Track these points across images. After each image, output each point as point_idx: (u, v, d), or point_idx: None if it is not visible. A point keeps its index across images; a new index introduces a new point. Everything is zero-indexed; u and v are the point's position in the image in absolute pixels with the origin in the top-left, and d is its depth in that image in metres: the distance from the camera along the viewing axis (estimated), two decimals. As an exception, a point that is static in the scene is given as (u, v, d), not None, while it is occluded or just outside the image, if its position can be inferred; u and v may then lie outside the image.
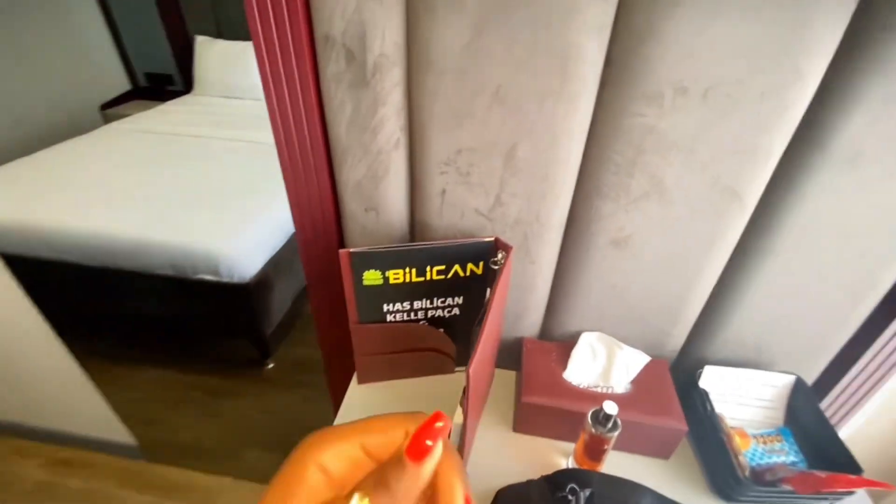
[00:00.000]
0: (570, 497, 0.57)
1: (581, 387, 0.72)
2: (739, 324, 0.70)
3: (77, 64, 2.65)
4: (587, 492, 0.58)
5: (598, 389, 0.72)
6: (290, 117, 0.62)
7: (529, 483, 0.63)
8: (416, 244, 0.65)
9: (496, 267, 0.67)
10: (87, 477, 1.40)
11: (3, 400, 1.39)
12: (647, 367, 0.73)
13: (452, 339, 0.77)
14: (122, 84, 2.97)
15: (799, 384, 0.72)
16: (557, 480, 0.63)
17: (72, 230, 1.49)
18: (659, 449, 0.70)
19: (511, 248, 0.62)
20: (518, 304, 0.76)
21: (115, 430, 1.38)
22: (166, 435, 1.52)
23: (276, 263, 1.61)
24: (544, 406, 0.69)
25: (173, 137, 2.16)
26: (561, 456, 0.71)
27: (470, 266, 0.69)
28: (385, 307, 0.70)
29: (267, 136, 2.17)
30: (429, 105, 0.58)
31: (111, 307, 1.67)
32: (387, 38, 0.54)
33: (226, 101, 2.61)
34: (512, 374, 0.83)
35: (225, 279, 1.46)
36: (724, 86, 0.51)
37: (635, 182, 0.59)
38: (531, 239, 0.67)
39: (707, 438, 0.68)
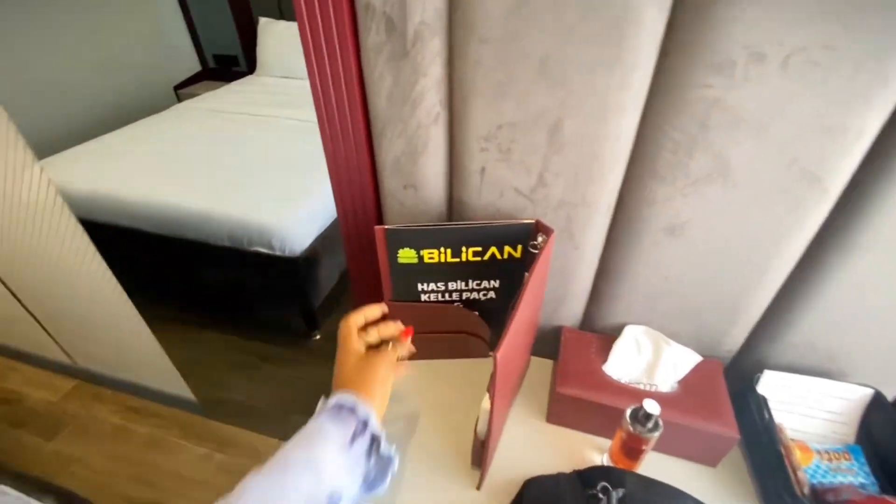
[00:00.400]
0: (600, 496, 0.54)
1: (622, 382, 0.68)
2: (811, 326, 0.62)
3: (154, 47, 2.83)
4: (620, 492, 0.54)
5: (641, 386, 0.67)
6: (332, 92, 0.61)
7: (559, 476, 0.60)
8: (451, 223, 0.63)
9: (535, 251, 0.63)
10: (155, 425, 1.53)
11: (86, 351, 1.56)
12: (697, 368, 0.68)
13: (488, 323, 0.74)
14: (193, 65, 3.14)
15: (878, 399, 0.63)
16: (589, 477, 0.60)
17: (144, 200, 1.61)
18: (705, 455, 0.64)
19: (552, 231, 0.59)
20: (558, 290, 0.72)
21: (178, 385, 1.49)
22: (222, 394, 1.63)
23: (325, 239, 1.65)
24: (580, 398, 0.65)
25: (237, 116, 2.26)
26: (595, 452, 0.67)
27: (508, 249, 0.66)
28: (419, 286, 0.69)
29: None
30: (470, 76, 0.55)
31: (177, 274, 1.80)
32: (427, 5, 0.52)
33: (286, 81, 2.69)
34: (549, 363, 0.80)
35: (277, 252, 1.52)
36: (809, 52, 0.44)
37: (696, 163, 0.53)
38: (575, 222, 0.63)
39: (762, 449, 0.62)
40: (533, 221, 0.62)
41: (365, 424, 0.42)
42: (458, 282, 0.70)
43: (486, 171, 0.62)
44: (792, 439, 0.63)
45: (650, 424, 0.56)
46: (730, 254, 0.60)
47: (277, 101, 2.41)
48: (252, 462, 1.48)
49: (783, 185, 0.52)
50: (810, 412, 0.66)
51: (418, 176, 0.65)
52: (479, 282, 0.70)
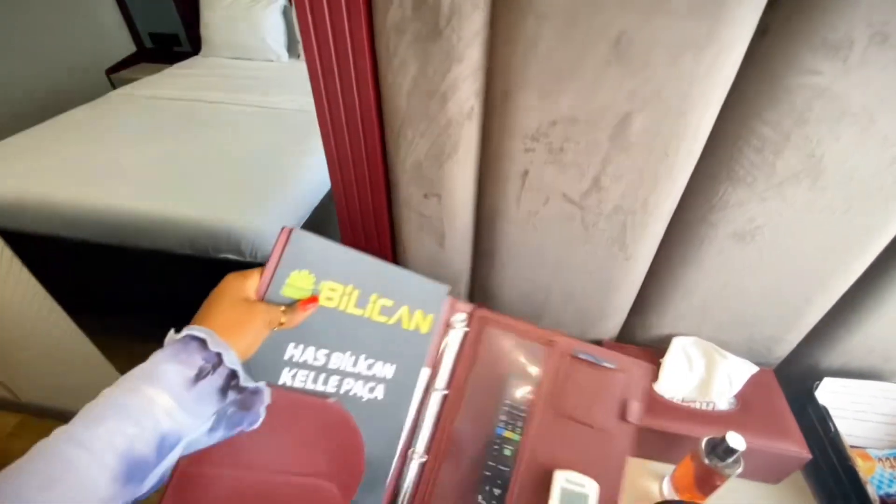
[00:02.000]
0: (686, 546, 0.47)
1: (675, 401, 0.61)
2: (872, 329, 0.58)
3: (78, 25, 2.45)
4: (703, 537, 0.48)
5: (696, 405, 0.61)
6: (337, 82, 0.48)
7: None
8: (374, 257, 0.47)
9: (456, 331, 0.52)
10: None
11: (28, 382, 1.34)
12: (751, 379, 0.62)
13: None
14: (126, 46, 2.77)
15: (936, 399, 0.60)
16: (660, 517, 0.53)
17: (83, 205, 1.38)
18: (768, 474, 0.59)
19: (477, 313, 0.49)
20: (599, 304, 0.63)
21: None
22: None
23: (300, 240, 1.49)
24: (636, 426, 0.58)
25: (184, 103, 2.00)
26: (651, 479, 0.60)
27: (418, 315, 0.49)
28: (288, 351, 0.43)
29: (284, 101, 2.01)
30: (521, 62, 0.43)
31: (135, 288, 1.58)
32: (472, -32, 0.39)
33: (236, 62, 2.41)
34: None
35: (248, 259, 1.35)
36: (948, 30, 0.36)
37: (783, 162, 0.45)
38: (630, 231, 0.54)
39: (827, 463, 0.57)
40: (448, 289, 0.51)
41: (218, 361, 0.34)
42: (347, 354, 0.46)
43: (530, 174, 0.51)
44: (851, 446, 0.59)
45: (730, 460, 0.49)
46: (800, 260, 0.53)
47: (231, 86, 2.15)
48: None
49: (879, 186, 0.45)
50: (863, 416, 0.62)
51: (444, 183, 0.54)
52: (372, 362, 0.48)
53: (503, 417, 0.53)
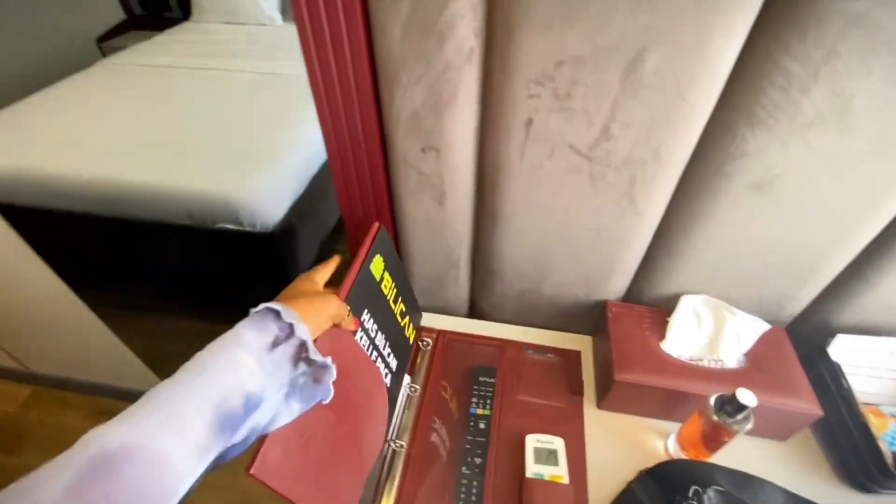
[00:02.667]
0: (693, 502, 0.46)
1: (682, 359, 0.59)
2: (891, 285, 0.55)
3: (63, -10, 2.35)
4: (711, 493, 0.47)
5: (704, 363, 0.59)
6: (325, 27, 0.44)
7: (631, 490, 0.52)
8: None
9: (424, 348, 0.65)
10: (132, 426, 1.37)
11: (36, 353, 1.35)
12: (761, 337, 0.60)
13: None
14: (116, 14, 2.66)
15: (953, 354, 0.58)
16: (666, 477, 0.52)
17: (77, 177, 1.35)
18: (776, 431, 0.58)
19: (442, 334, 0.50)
20: (607, 263, 0.61)
21: (150, 381, 1.33)
22: (205, 385, 1.48)
23: (300, 209, 1.46)
24: (642, 385, 0.57)
25: (177, 71, 1.93)
26: (656, 437, 0.60)
27: (409, 325, 0.62)
28: (365, 314, 0.51)
29: (279, 67, 1.93)
30: (524, -7, 0.39)
31: (133, 259, 1.57)
32: None
33: (230, 27, 2.32)
34: (586, 339, 0.71)
35: (247, 228, 1.33)
36: None
37: (810, 101, 0.41)
38: (640, 184, 0.51)
39: (839, 420, 0.56)
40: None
41: (290, 332, 0.38)
42: (383, 337, 0.54)
43: (535, 123, 0.48)
44: (864, 403, 0.58)
45: (740, 416, 0.48)
46: (821, 211, 0.50)
47: (224, 51, 2.08)
48: (249, 456, 1.34)
49: (912, 126, 0.41)
50: (877, 373, 0.60)
51: (443, 134, 0.50)
52: (390, 351, 0.56)
53: (474, 400, 0.62)
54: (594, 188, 0.51)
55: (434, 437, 0.58)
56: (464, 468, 0.55)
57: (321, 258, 1.82)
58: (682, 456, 0.56)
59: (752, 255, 0.56)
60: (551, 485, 0.51)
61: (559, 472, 0.53)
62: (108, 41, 2.56)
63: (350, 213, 0.62)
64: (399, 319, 0.59)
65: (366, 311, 0.50)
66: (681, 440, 0.56)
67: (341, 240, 1.95)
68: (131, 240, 1.46)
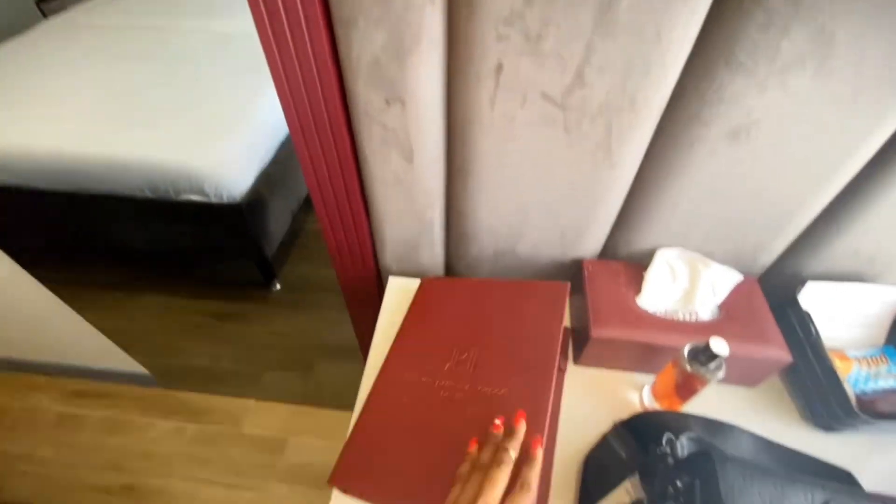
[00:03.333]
0: (667, 449, 0.46)
1: (658, 314, 0.59)
2: (860, 232, 0.55)
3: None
4: (684, 440, 0.47)
5: (679, 316, 0.59)
6: (266, -46, 0.39)
7: (607, 440, 0.53)
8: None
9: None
10: (107, 406, 1.35)
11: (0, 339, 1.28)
12: (734, 288, 0.60)
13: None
14: (53, -31, 2.42)
15: (914, 298, 0.59)
16: (640, 427, 0.53)
17: (25, 151, 1.25)
18: (746, 378, 0.59)
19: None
20: (582, 219, 0.59)
21: (120, 359, 1.29)
22: (179, 361, 1.45)
23: (269, 178, 1.40)
24: (618, 340, 0.56)
25: (126, 32, 1.78)
26: (631, 389, 0.60)
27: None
28: None
29: (235, 25, 1.81)
30: (488, -84, 0.35)
31: (94, 235, 1.49)
32: None
33: (179, -17, 2.14)
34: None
35: (213, 200, 1.27)
36: None
37: (790, 41, 0.39)
38: (616, 134, 0.48)
39: (807, 366, 0.57)
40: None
41: None
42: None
43: (505, 69, 0.44)
44: (829, 349, 0.59)
45: (712, 365, 0.48)
46: (797, 158, 0.49)
47: (174, 11, 1.92)
48: (230, 428, 1.31)
49: (889, 69, 0.40)
50: (844, 319, 0.62)
51: (407, 83, 0.47)
52: None
53: None
54: (568, 139, 0.49)
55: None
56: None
57: (295, 231, 1.77)
58: (657, 407, 0.56)
59: (727, 206, 0.55)
60: None
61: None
62: (49, 2, 2.34)
63: (315, 176, 0.58)
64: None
65: None
66: (655, 391, 0.56)
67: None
68: (89, 216, 1.38)
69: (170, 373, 1.40)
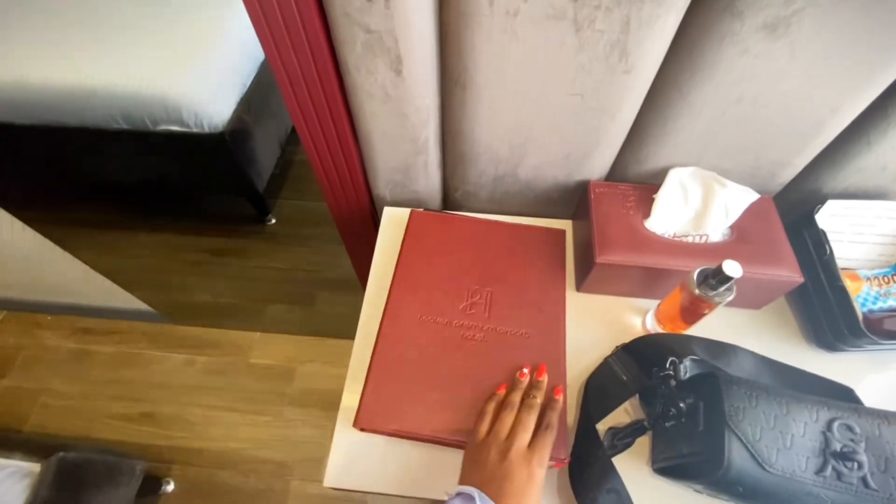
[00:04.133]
0: (668, 372, 0.46)
1: (666, 236, 0.56)
2: (893, 147, 0.50)
3: None
4: (687, 362, 0.47)
5: (689, 239, 0.56)
6: None
7: (608, 363, 0.52)
8: None
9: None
10: (118, 342, 1.37)
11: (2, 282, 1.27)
12: (748, 208, 0.56)
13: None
14: None
15: (938, 214, 0.56)
16: (642, 350, 0.52)
17: (-16, 81, 1.15)
18: (754, 300, 0.58)
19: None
20: (590, 135, 0.54)
21: (123, 298, 1.30)
22: (182, 298, 1.46)
23: (251, 104, 1.30)
24: (624, 265, 0.54)
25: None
26: (634, 314, 0.59)
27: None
28: None
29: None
30: None
31: (76, 172, 1.42)
32: None
33: None
34: (565, 223, 0.67)
35: (194, 129, 1.19)
36: None
37: None
38: (634, 30, 0.42)
39: (816, 286, 0.55)
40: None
41: None
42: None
43: (506, -50, 0.37)
44: (841, 269, 0.57)
45: (723, 288, 0.46)
46: (834, 60, 0.43)
47: None
48: (239, 359, 1.34)
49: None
50: (860, 238, 0.59)
51: (391, -26, 0.39)
52: None
53: None
54: (579, 39, 0.43)
55: None
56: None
57: (286, 162, 1.70)
58: (660, 331, 0.55)
59: (749, 118, 0.49)
60: None
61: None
62: None
63: (293, 96, 0.52)
64: None
65: None
66: (659, 316, 0.55)
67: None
68: (63, 151, 1.31)
69: (174, 309, 1.42)
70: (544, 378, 0.49)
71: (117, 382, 1.30)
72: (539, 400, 0.47)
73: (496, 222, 0.64)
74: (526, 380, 0.49)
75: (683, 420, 0.43)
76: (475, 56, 0.46)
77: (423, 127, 0.56)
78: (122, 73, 1.14)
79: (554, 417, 0.45)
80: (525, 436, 0.43)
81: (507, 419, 0.45)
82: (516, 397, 0.47)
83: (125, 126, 1.19)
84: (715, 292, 0.46)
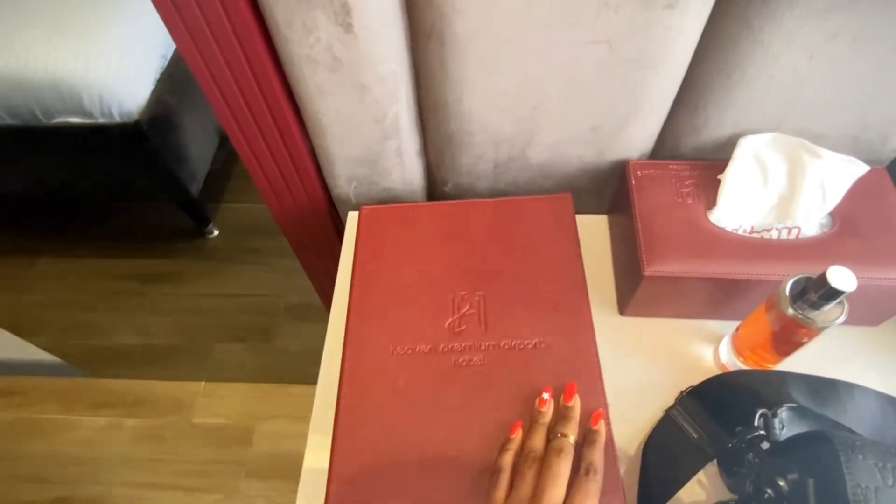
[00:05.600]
0: (759, 431, 0.41)
1: (741, 233, 0.52)
2: None
3: None
4: (783, 414, 0.42)
5: (773, 234, 0.52)
6: None
7: (671, 417, 0.48)
8: None
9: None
10: (19, 405, 1.35)
11: None
12: (854, 185, 0.52)
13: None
14: None
15: None
16: (717, 396, 0.48)
17: None
18: (867, 315, 0.53)
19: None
20: (625, 97, 0.50)
21: (18, 347, 1.26)
22: (101, 341, 1.44)
23: (173, 81, 1.27)
24: (681, 277, 0.50)
25: None
26: (700, 342, 0.55)
27: None
28: None
29: None
30: None
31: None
32: None
33: None
34: (600, 220, 0.63)
35: (100, 119, 1.16)
36: None
37: None
38: (679, -55, 0.37)
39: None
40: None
41: None
42: None
43: None
44: None
45: (829, 306, 0.41)
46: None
47: None
48: (180, 419, 1.30)
49: None
50: None
51: None
52: None
53: None
54: (602, -37, 0.38)
55: None
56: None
57: (227, 156, 1.67)
58: (739, 366, 0.51)
59: (853, 57, 0.45)
60: None
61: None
62: None
63: (203, 64, 0.48)
64: None
65: None
66: (737, 345, 0.51)
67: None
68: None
69: (91, 358, 1.40)
70: (575, 402, 0.45)
71: (25, 459, 1.28)
72: (572, 437, 0.42)
73: (474, 202, 0.60)
74: (549, 409, 0.45)
75: (786, 504, 0.38)
76: (454, -5, 0.41)
77: (390, 101, 0.52)
78: (5, 52, 1.11)
79: (596, 456, 0.41)
80: (556, 492, 0.38)
81: (529, 473, 0.40)
82: (538, 439, 0.43)
83: (10, 121, 1.17)
84: (818, 312, 0.42)
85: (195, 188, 1.41)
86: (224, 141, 1.55)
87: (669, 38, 0.44)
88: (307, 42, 0.46)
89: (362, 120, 0.53)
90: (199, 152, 1.41)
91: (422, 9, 0.44)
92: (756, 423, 0.41)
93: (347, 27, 0.44)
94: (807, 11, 0.42)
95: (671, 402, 0.50)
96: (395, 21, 0.46)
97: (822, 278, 0.40)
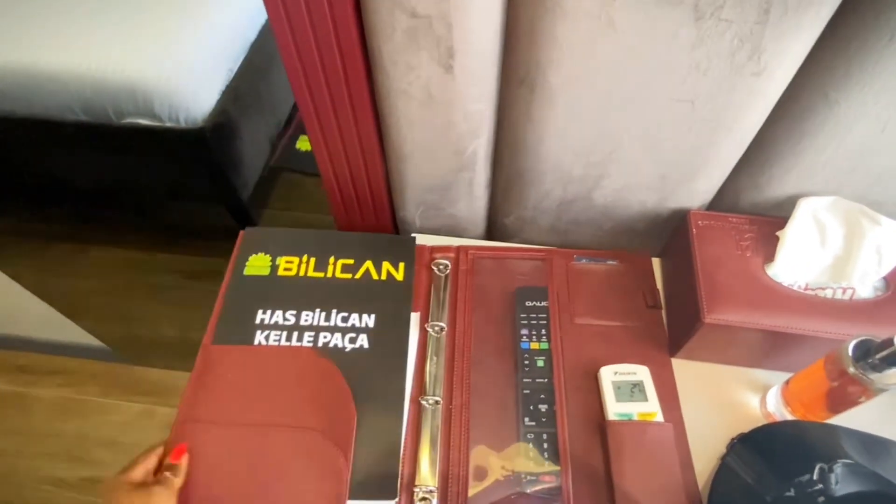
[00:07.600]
0: (817, 485, 0.41)
1: (796, 288, 0.52)
2: None
3: None
4: (839, 469, 0.42)
5: (828, 293, 0.52)
6: None
7: (727, 465, 0.47)
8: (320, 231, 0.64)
9: (440, 273, 0.62)
10: (60, 385, 1.35)
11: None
12: (909, 251, 0.52)
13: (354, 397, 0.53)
14: None
15: None
16: (770, 446, 0.47)
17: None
18: (915, 378, 0.52)
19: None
20: (698, 152, 0.51)
21: (67, 329, 1.28)
22: (144, 330, 1.44)
23: (238, 93, 1.30)
24: (740, 327, 0.50)
25: None
26: (746, 389, 0.55)
27: (387, 266, 0.61)
28: (259, 316, 0.58)
29: None
30: None
31: (22, 173, 1.43)
32: None
33: None
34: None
35: (167, 123, 1.18)
36: None
37: None
38: (775, 21, 0.38)
39: None
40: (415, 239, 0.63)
41: None
42: (317, 311, 0.58)
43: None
44: None
45: (893, 370, 0.41)
46: None
47: None
48: None
49: None
50: None
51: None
52: (346, 314, 0.58)
53: (524, 332, 0.58)
54: (698, 30, 0.39)
55: (479, 385, 0.55)
56: (526, 419, 0.52)
57: (278, 158, 1.69)
58: (787, 416, 0.51)
59: (922, 131, 0.45)
60: (642, 425, 0.50)
61: (650, 409, 0.51)
62: None
63: (308, 92, 0.49)
64: (345, 276, 0.60)
65: (259, 311, 0.58)
66: (787, 396, 0.50)
67: (300, 135, 1.80)
68: (9, 147, 1.31)
69: (132, 345, 1.39)
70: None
71: (59, 437, 1.27)
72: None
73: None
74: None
75: (843, 559, 0.38)
76: (554, 49, 0.43)
77: (472, 137, 0.53)
78: (84, 54, 1.14)
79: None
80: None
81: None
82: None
83: (84, 119, 1.19)
84: (879, 374, 0.41)
85: (245, 193, 1.42)
86: (274, 151, 1.58)
87: (750, 102, 0.45)
88: (406, 79, 0.47)
89: (443, 152, 0.54)
90: (252, 161, 1.43)
91: (517, 58, 0.45)
92: (815, 477, 0.41)
93: (448, 68, 0.45)
94: (886, 84, 0.42)
95: (718, 444, 0.50)
96: (492, 66, 0.47)
97: (890, 342, 0.40)
